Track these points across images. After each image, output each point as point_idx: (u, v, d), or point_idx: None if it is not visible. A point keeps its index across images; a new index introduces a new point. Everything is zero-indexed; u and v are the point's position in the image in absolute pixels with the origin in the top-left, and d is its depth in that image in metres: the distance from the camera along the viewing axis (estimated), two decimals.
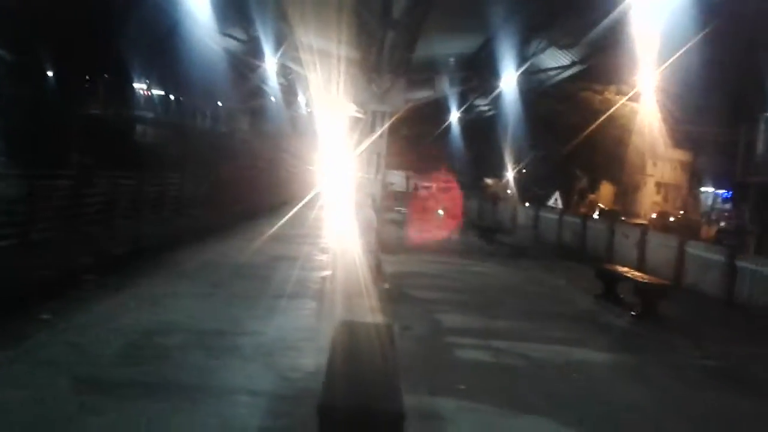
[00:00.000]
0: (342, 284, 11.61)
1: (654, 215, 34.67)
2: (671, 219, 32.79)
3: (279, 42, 20.58)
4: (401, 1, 12.20)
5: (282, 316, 9.64)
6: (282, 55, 21.83)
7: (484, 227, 25.16)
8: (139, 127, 35.47)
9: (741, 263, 13.72)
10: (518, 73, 21.45)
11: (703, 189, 41.11)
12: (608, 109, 33.21)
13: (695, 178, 39.78)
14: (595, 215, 30.38)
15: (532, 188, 36.14)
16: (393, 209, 23.58)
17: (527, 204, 30.28)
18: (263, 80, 29.38)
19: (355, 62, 14.65)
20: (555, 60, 21.37)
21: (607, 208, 36.39)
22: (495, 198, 33.55)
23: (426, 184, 41.75)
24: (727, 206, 38.19)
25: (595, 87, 35.93)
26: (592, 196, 40.24)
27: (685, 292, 14.44)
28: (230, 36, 21.71)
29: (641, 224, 25.23)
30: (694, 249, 15.58)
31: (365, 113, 13.99)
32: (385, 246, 14.71)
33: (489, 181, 42.47)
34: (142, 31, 25.72)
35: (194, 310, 9.53)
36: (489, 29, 17.95)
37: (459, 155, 41.61)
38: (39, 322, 8.16)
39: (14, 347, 7.14)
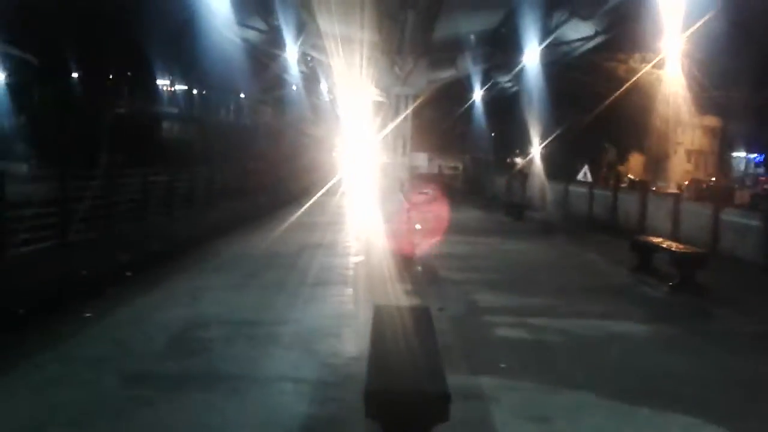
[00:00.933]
0: (375, 269, 11.68)
1: (686, 183, 34.04)
2: (704, 186, 32.21)
3: (299, 30, 20.59)
4: None
5: (317, 303, 9.71)
6: (303, 43, 21.84)
7: (513, 204, 25.04)
8: (165, 124, 35.80)
9: None
10: (541, 47, 21.18)
11: (734, 154, 40.24)
12: (633, 78, 32.58)
13: (726, 144, 38.91)
14: (623, 186, 29.94)
15: (558, 163, 35.70)
16: (420, 192, 23.53)
17: (555, 179, 29.97)
18: (284, 69, 29.45)
19: (376, 46, 14.61)
20: (577, 32, 21.08)
21: (637, 179, 35.81)
22: (523, 175, 33.29)
23: (452, 164, 41.56)
24: (761, 170, 37.42)
25: (619, 56, 35.26)
26: (621, 168, 39.63)
27: (721, 260, 14.13)
28: (250, 27, 21.79)
29: (674, 193, 24.83)
30: (728, 215, 15.32)
31: (388, 97, 13.97)
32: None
33: (518, 159, 42.08)
34: (162, 26, 25.90)
35: (231, 302, 9.65)
36: (510, 3, 17.75)
37: (484, 134, 41.28)
38: (82, 320, 8.35)
39: (60, 345, 7.30)
